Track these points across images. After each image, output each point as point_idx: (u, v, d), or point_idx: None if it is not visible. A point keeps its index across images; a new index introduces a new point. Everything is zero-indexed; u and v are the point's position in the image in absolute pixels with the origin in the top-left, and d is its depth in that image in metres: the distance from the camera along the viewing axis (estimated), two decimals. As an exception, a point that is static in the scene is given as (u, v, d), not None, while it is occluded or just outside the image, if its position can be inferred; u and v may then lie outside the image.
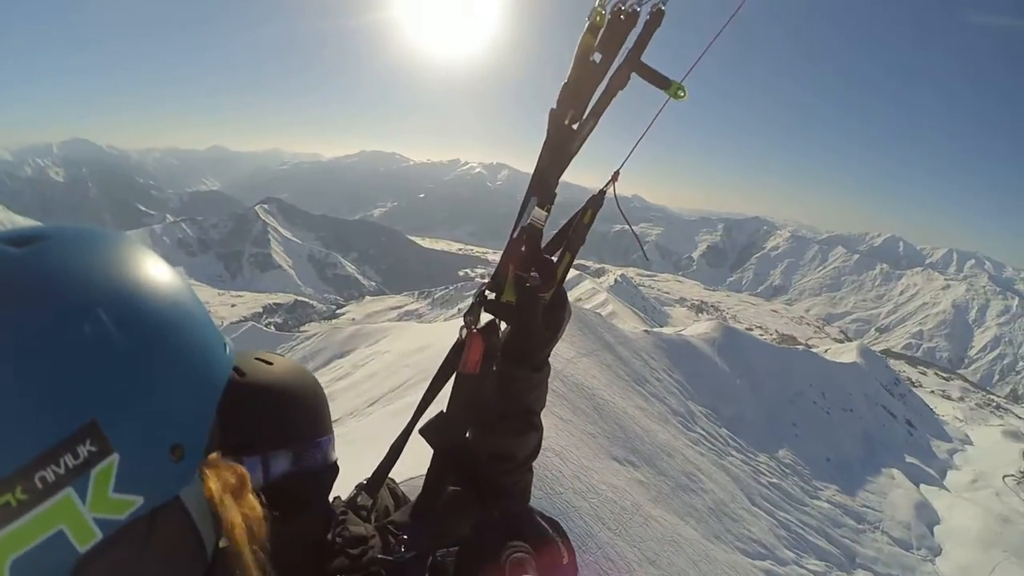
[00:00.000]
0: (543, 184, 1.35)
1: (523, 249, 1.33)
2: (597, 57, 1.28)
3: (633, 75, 1.29)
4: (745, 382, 23.07)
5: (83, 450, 0.65)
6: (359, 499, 1.40)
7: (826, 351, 36.96)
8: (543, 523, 1.10)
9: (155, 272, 0.80)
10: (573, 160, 1.38)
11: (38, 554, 0.64)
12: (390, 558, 1.13)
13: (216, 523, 0.83)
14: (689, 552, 9.29)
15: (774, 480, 17.43)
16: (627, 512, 8.75)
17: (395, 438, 1.45)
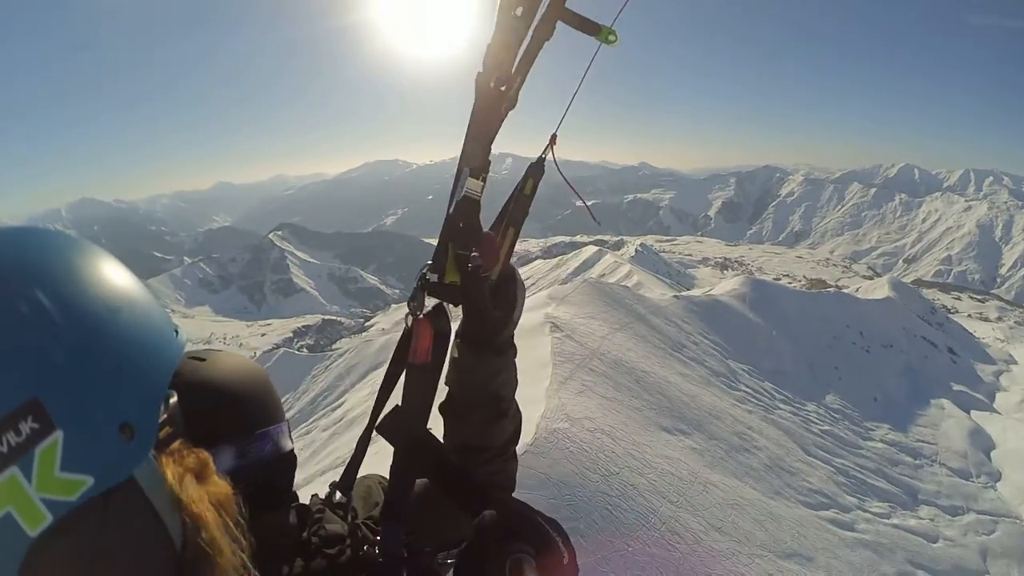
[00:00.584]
0: (475, 153, 1.28)
1: (460, 225, 1.26)
2: (519, 11, 1.21)
3: (560, 25, 1.24)
4: (781, 333, 22.98)
5: (25, 427, 0.64)
6: (336, 497, 1.34)
7: (857, 290, 36.82)
8: (543, 523, 1.05)
9: (96, 259, 0.80)
10: (506, 124, 1.30)
11: None
12: (366, 562, 1.09)
13: (182, 510, 0.80)
14: (753, 513, 9.26)
15: (825, 427, 17.34)
16: (685, 482, 8.72)
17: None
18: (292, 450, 1.31)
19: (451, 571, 1.08)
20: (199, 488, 0.83)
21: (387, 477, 1.36)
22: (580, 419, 8.47)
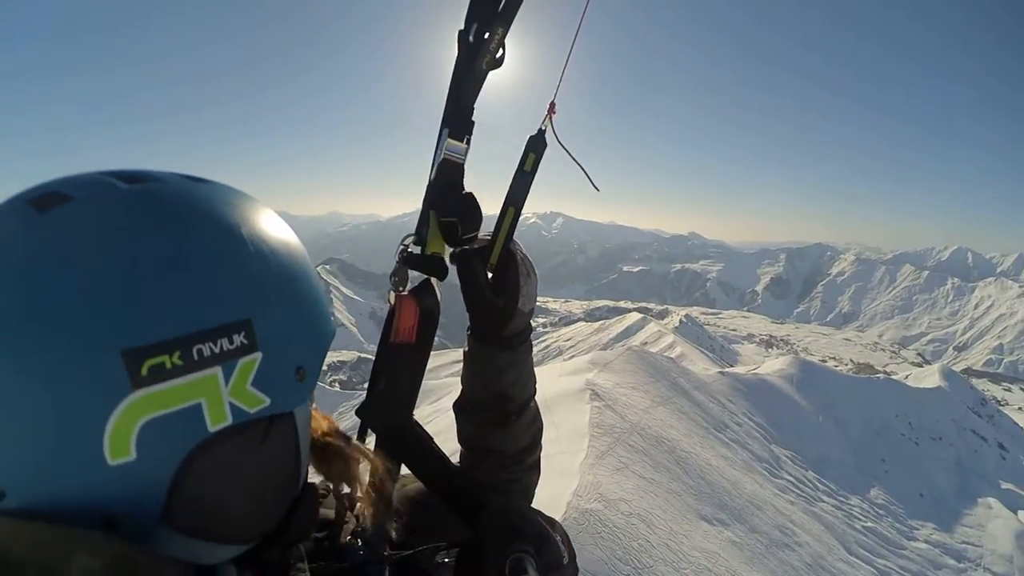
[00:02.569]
0: (456, 112, 1.22)
1: (441, 190, 1.23)
2: None
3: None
4: (828, 419, 22.28)
5: (237, 339, 0.73)
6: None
7: (907, 377, 35.46)
8: (543, 522, 1.00)
9: (290, 229, 0.91)
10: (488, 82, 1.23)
11: (172, 420, 0.69)
12: (349, 554, 1.04)
13: (308, 458, 0.92)
14: None
15: (869, 524, 16.50)
16: None
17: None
18: None
19: (451, 571, 1.04)
20: (347, 448, 1.00)
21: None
22: (615, 501, 7.77)
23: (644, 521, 7.74)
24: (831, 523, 14.65)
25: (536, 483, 1.42)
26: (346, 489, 1.04)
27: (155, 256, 0.71)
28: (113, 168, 0.81)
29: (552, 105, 1.21)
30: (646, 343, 63.23)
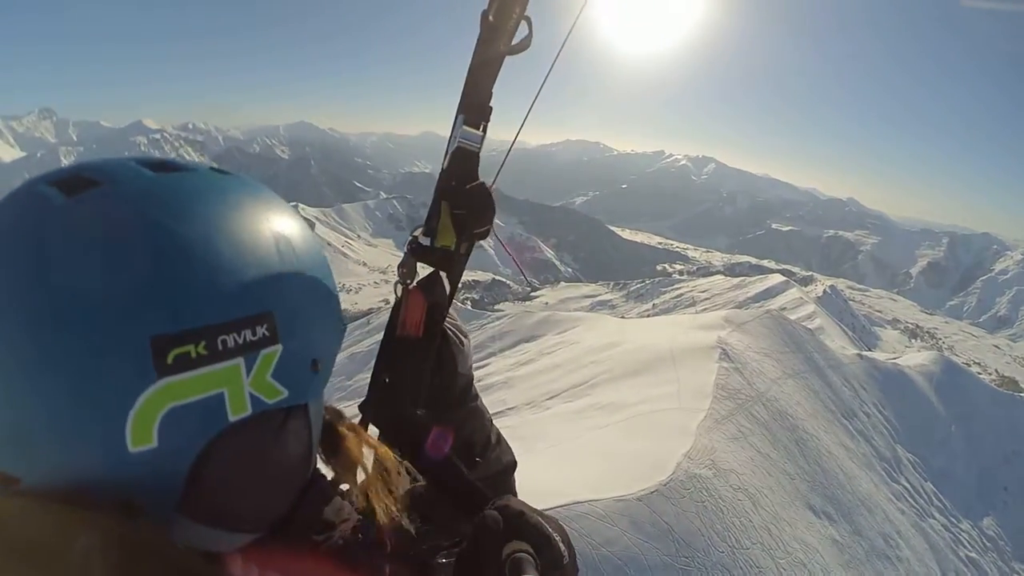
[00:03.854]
0: (472, 97, 1.18)
1: (455, 181, 1.20)
2: None
3: None
4: (961, 430, 20.24)
5: (260, 331, 0.75)
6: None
7: None
8: (543, 522, 1.00)
9: (305, 223, 0.92)
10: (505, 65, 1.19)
11: (193, 410, 0.70)
12: (349, 550, 1.03)
13: (318, 448, 0.95)
14: None
15: (973, 555, 15.09)
16: None
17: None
18: None
19: (450, 571, 1.05)
20: (353, 437, 1.03)
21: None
22: (726, 471, 7.52)
23: (751, 499, 7.48)
24: (936, 544, 13.72)
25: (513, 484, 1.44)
26: (359, 477, 1.05)
27: (183, 245, 0.72)
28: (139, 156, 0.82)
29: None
30: (784, 308, 60.61)
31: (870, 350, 37.37)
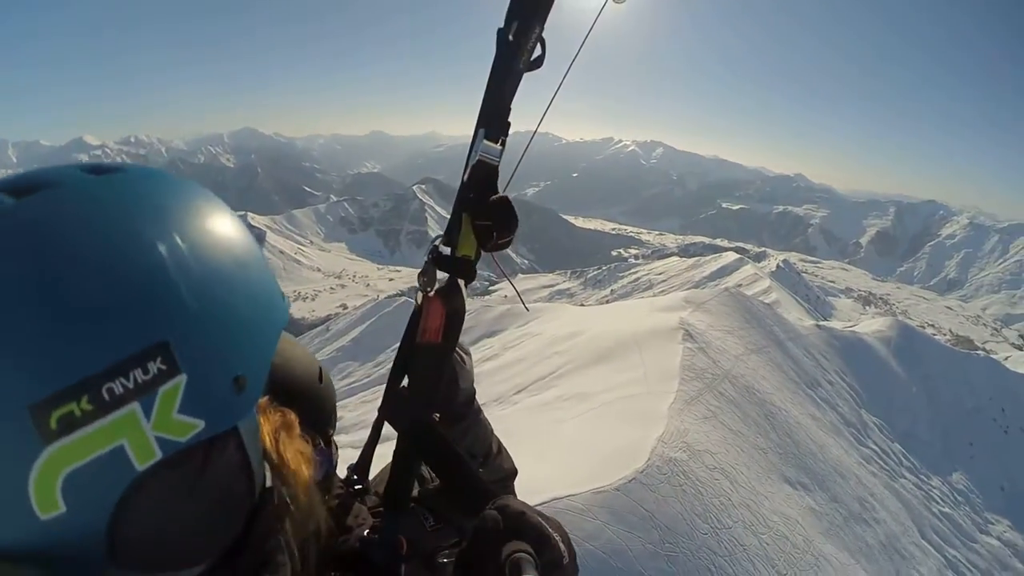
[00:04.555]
0: (492, 112, 1.22)
1: (474, 193, 1.22)
2: None
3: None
4: (921, 391, 21.26)
5: (153, 367, 0.66)
6: (354, 479, 1.33)
7: (1007, 359, 33.17)
8: (543, 522, 0.98)
9: (226, 214, 0.83)
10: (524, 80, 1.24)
11: (94, 468, 0.64)
12: (366, 553, 1.08)
13: (265, 463, 0.86)
14: None
15: (946, 509, 15.87)
16: (798, 550, 7.73)
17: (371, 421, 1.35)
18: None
19: (451, 570, 1.03)
20: (291, 444, 0.91)
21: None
22: (701, 452, 7.49)
23: (727, 477, 7.47)
24: (910, 502, 14.21)
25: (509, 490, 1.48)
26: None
27: (42, 293, 0.63)
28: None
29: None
30: (741, 285, 61.61)
31: (826, 320, 38.27)
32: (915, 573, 11.27)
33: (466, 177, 1.24)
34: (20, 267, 0.64)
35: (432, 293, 1.23)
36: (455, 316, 1.22)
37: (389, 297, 68.32)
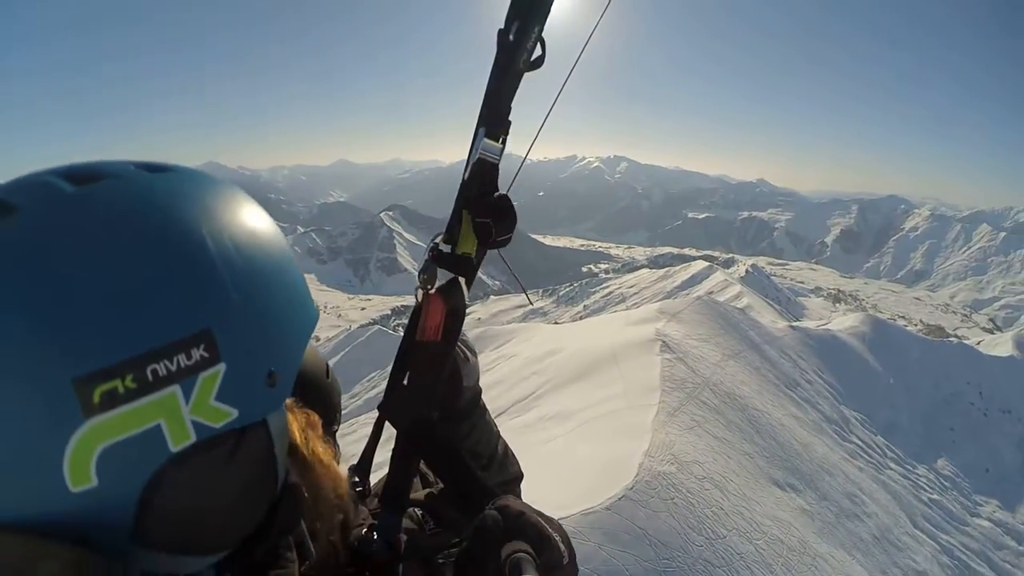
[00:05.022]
0: (492, 111, 1.23)
1: (476, 191, 1.24)
2: None
3: None
4: (899, 382, 21.48)
5: (196, 353, 0.69)
6: (354, 480, 1.32)
7: (979, 343, 33.67)
8: (543, 523, 0.98)
9: (263, 216, 0.86)
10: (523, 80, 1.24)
11: (131, 445, 0.66)
12: (363, 551, 1.09)
13: (288, 458, 0.89)
14: None
15: (934, 496, 16.05)
16: (795, 553, 7.66)
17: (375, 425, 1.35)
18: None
19: (451, 570, 1.05)
20: (320, 445, 0.96)
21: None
22: (689, 463, 7.39)
23: (718, 486, 7.38)
24: (898, 493, 14.30)
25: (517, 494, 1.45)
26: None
27: (100, 274, 0.66)
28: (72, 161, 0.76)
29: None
30: (712, 292, 62.08)
31: (799, 320, 38.60)
32: (911, 562, 11.28)
33: (467, 175, 1.25)
34: (81, 247, 0.66)
35: (432, 291, 1.23)
36: (455, 314, 1.22)
37: (361, 327, 67.66)
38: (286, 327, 0.81)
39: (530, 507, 1.01)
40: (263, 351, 0.76)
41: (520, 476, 1.48)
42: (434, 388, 1.22)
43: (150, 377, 0.65)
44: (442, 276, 1.26)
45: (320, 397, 1.18)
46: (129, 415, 0.65)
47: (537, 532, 0.95)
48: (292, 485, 0.89)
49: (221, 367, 0.70)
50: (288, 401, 0.90)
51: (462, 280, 1.26)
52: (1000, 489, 19.00)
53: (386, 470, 1.30)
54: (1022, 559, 15.66)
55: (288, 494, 0.88)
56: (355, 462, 1.37)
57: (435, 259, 1.26)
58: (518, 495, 1.42)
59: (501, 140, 1.23)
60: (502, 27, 1.22)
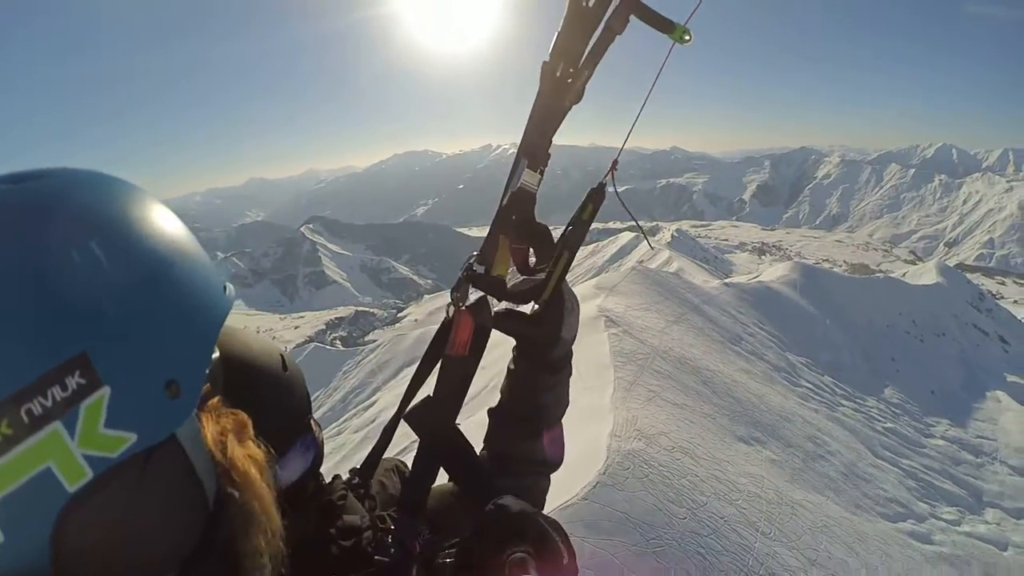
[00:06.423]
0: (534, 144, 1.28)
1: (514, 217, 1.28)
2: (590, 0, 1.19)
3: (632, 18, 1.19)
4: (835, 323, 22.10)
5: (72, 382, 0.63)
6: (356, 481, 1.32)
7: (904, 275, 35.37)
8: (543, 523, 1.00)
9: (150, 208, 0.79)
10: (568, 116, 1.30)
11: (25, 493, 0.62)
12: (378, 554, 1.10)
13: (216, 469, 0.80)
14: (842, 536, 8.22)
15: (888, 425, 16.49)
16: (773, 505, 7.65)
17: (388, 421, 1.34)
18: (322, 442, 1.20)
19: (450, 571, 1.05)
20: (239, 447, 0.83)
21: (403, 462, 1.45)
22: (655, 436, 7.25)
23: (688, 454, 7.28)
24: (854, 427, 14.64)
25: (547, 490, 1.51)
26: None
27: None
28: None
29: (614, 163, 1.30)
30: (643, 261, 63.09)
31: (729, 276, 39.49)
32: (880, 491, 11.53)
33: (505, 202, 1.27)
34: None
35: (463, 308, 1.26)
36: (482, 330, 1.26)
37: (298, 346, 66.01)
38: (181, 330, 0.72)
39: (530, 507, 1.02)
40: (155, 363, 0.69)
41: (560, 461, 1.48)
42: (458, 401, 1.26)
43: (25, 419, 0.60)
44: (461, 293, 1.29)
45: (278, 394, 1.07)
46: (13, 464, 0.60)
47: (538, 532, 0.95)
48: (227, 495, 0.79)
49: (105, 391, 0.64)
50: (213, 402, 0.82)
51: (491, 299, 1.30)
52: (948, 407, 19.78)
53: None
54: (981, 470, 16.22)
55: (221, 508, 0.79)
56: (354, 464, 1.37)
57: (469, 279, 1.28)
58: (548, 480, 1.49)
59: (540, 171, 1.27)
60: (547, 60, 1.22)
